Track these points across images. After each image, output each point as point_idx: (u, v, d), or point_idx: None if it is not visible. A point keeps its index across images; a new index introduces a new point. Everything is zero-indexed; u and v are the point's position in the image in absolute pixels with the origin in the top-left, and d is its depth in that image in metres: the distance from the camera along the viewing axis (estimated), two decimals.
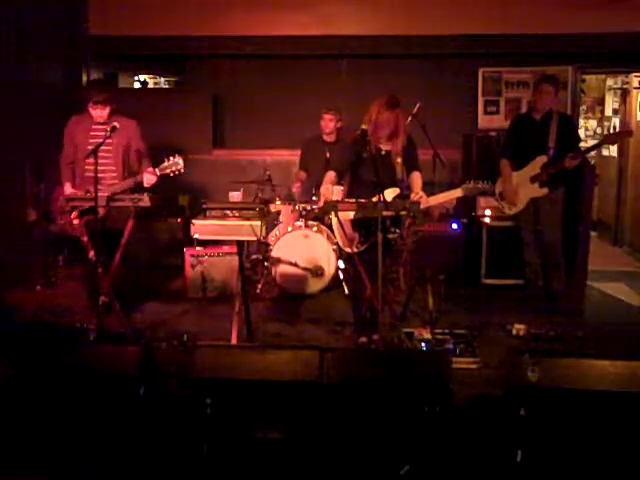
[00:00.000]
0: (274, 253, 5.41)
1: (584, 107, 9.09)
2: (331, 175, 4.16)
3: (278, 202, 5.65)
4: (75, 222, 4.23)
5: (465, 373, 3.75)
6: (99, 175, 4.28)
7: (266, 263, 5.58)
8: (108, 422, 2.67)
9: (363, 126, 3.98)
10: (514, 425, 2.58)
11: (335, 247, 5.28)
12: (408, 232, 4.11)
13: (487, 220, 5.74)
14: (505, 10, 6.48)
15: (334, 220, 4.08)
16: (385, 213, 3.71)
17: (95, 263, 4.21)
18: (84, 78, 6.97)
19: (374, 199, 3.80)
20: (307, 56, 6.90)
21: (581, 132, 8.85)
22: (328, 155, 5.65)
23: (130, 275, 4.80)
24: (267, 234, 5.33)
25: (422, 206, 3.92)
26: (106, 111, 4.49)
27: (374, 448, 2.61)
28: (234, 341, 4.06)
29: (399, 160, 4.15)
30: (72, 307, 4.87)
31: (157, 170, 4.32)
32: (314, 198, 5.60)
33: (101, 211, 4.08)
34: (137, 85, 8.80)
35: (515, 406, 2.58)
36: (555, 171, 4.92)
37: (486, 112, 6.96)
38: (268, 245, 5.54)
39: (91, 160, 4.05)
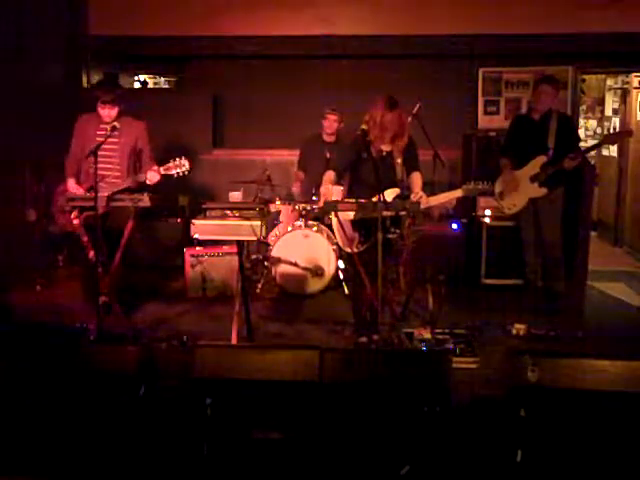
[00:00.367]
0: (274, 253, 5.42)
1: (584, 107, 9.09)
2: (331, 175, 4.16)
3: (278, 202, 5.65)
4: (75, 222, 4.23)
5: (465, 373, 3.75)
6: (103, 173, 4.32)
7: (266, 263, 5.58)
8: (108, 422, 2.67)
9: (363, 126, 3.98)
10: (514, 425, 2.58)
11: (335, 247, 5.29)
12: (408, 232, 4.11)
13: (487, 220, 5.74)
14: (505, 10, 6.48)
15: (334, 220, 4.09)
16: (385, 213, 3.71)
17: (95, 263, 4.21)
18: (84, 78, 6.97)
19: (374, 199, 3.81)
20: (307, 56, 6.90)
21: (581, 132, 8.86)
22: (328, 155, 5.65)
23: (130, 275, 4.80)
24: (267, 234, 5.33)
25: (422, 206, 3.93)
26: (114, 111, 4.50)
27: (374, 448, 2.60)
28: (234, 341, 4.06)
29: (399, 161, 4.16)
30: (72, 307, 4.87)
31: (162, 169, 4.32)
32: (314, 198, 5.60)
33: (100, 209, 4.08)
34: (137, 85, 8.80)
35: (515, 406, 2.58)
36: (554, 171, 4.92)
37: (486, 112, 6.96)
38: (268, 245, 5.55)
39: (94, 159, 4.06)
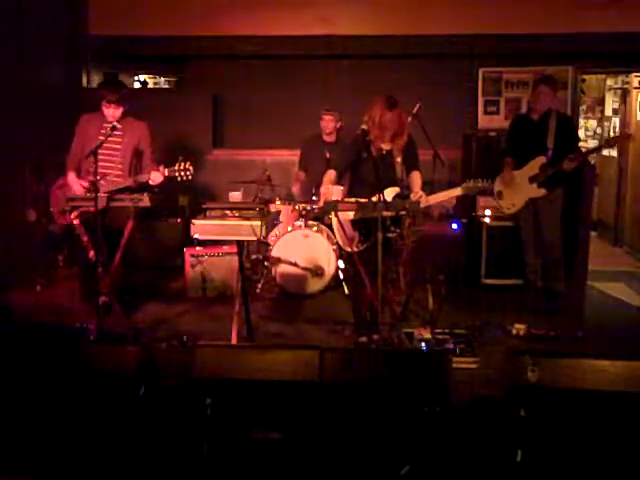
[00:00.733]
0: (274, 253, 5.41)
1: (584, 107, 9.08)
2: (331, 174, 4.16)
3: (278, 202, 5.65)
4: (75, 222, 4.23)
5: (465, 373, 3.75)
6: (104, 171, 4.32)
7: (266, 263, 5.58)
8: (108, 422, 2.67)
9: (363, 126, 3.98)
10: (514, 425, 2.58)
11: (335, 247, 5.29)
12: (408, 232, 4.11)
13: (487, 220, 5.74)
14: (505, 10, 6.48)
15: (334, 220, 4.09)
16: (385, 213, 3.71)
17: (95, 263, 4.22)
18: (84, 78, 6.98)
19: (374, 199, 3.81)
20: (307, 56, 6.90)
21: (581, 132, 8.86)
22: (328, 155, 5.65)
23: (130, 275, 4.80)
24: (267, 234, 5.33)
25: (422, 205, 3.93)
26: (119, 111, 4.50)
27: (374, 448, 2.60)
28: (234, 341, 4.06)
29: (399, 159, 4.16)
30: (72, 307, 4.87)
31: (166, 171, 4.33)
32: (314, 198, 5.60)
33: (100, 205, 4.07)
34: (137, 85, 8.80)
35: (515, 406, 2.58)
36: (553, 172, 4.92)
37: (486, 112, 6.96)
38: (268, 245, 5.54)
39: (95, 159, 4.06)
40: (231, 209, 4.09)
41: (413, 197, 4.00)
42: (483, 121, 6.94)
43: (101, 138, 4.28)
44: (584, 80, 7.79)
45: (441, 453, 2.61)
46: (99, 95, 4.53)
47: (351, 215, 3.90)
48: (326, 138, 5.95)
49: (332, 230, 4.84)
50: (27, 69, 5.90)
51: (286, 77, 7.02)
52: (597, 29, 6.44)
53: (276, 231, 5.64)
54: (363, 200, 3.89)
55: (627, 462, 2.49)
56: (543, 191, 5.01)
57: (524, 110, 6.53)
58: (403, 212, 3.84)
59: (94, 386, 2.70)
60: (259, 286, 5.57)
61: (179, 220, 6.26)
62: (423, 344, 4.11)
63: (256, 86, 7.00)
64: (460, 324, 4.56)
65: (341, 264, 5.46)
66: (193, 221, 4.03)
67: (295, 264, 5.39)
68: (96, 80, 7.19)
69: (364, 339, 4.20)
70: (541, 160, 4.98)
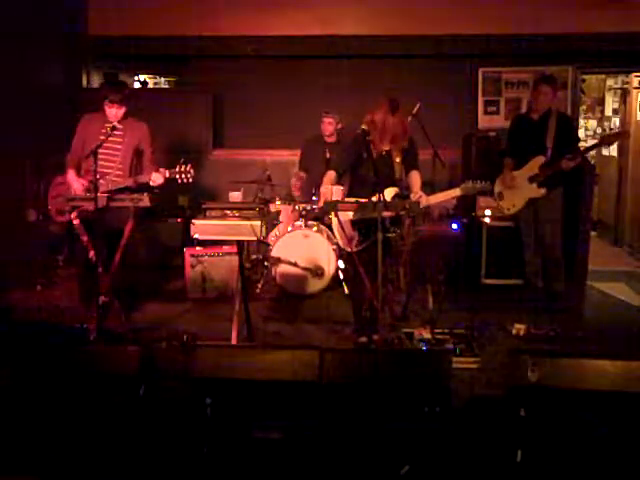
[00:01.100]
0: (274, 253, 5.41)
1: (584, 107, 9.09)
2: (331, 175, 4.16)
3: (278, 202, 5.65)
4: (75, 222, 4.23)
5: (465, 373, 3.75)
6: (104, 170, 4.32)
7: (266, 263, 5.58)
8: (108, 422, 2.67)
9: (363, 126, 3.98)
10: (514, 425, 2.58)
11: (335, 247, 5.29)
12: (408, 232, 4.11)
13: (487, 220, 5.74)
14: (505, 10, 6.48)
15: (334, 220, 4.09)
16: (385, 213, 3.71)
17: (95, 263, 4.21)
18: (84, 78, 6.97)
19: (374, 198, 3.81)
20: (307, 56, 6.90)
21: (581, 132, 8.86)
22: (328, 155, 5.65)
23: (130, 275, 4.80)
24: (267, 234, 5.33)
25: (422, 205, 3.93)
26: (121, 111, 4.50)
27: (374, 448, 2.60)
28: (234, 341, 4.06)
29: (398, 160, 4.16)
30: (72, 307, 4.87)
31: (167, 172, 4.33)
32: (314, 198, 5.60)
33: (99, 204, 4.07)
34: (137, 85, 8.80)
35: (515, 406, 2.58)
36: (552, 172, 4.92)
37: (486, 112, 6.96)
38: (268, 245, 5.54)
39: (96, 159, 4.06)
40: (231, 209, 4.09)
41: (413, 197, 4.00)
42: (483, 121, 6.94)
43: (102, 138, 4.28)
44: (584, 80, 7.79)
45: (441, 453, 2.61)
46: (101, 95, 4.52)
47: (351, 215, 3.89)
48: (327, 139, 5.96)
49: (332, 230, 4.84)
50: (27, 69, 5.90)
51: (286, 77, 7.02)
52: (597, 29, 6.44)
53: (276, 231, 5.64)
54: (363, 200, 3.89)
55: (627, 462, 2.49)
56: (543, 191, 5.01)
57: (524, 110, 6.53)
58: (403, 212, 3.84)
59: (94, 386, 2.70)
60: (259, 286, 5.57)
61: (179, 220, 6.26)
62: (423, 344, 4.11)
63: (256, 86, 7.00)
64: (460, 324, 4.56)
65: (341, 264, 5.45)
66: (193, 221, 4.02)
67: (295, 264, 5.39)
68: (96, 80, 7.19)
69: (364, 339, 4.20)
70: (540, 160, 4.98)
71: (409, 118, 4.48)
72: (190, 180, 4.34)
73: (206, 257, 5.44)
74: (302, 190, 5.92)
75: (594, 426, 2.52)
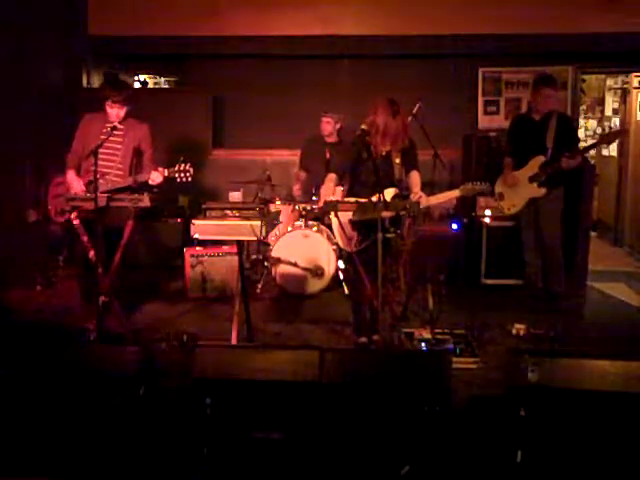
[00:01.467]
0: (274, 253, 5.41)
1: (584, 107, 9.09)
2: (332, 177, 4.16)
3: (278, 202, 5.65)
4: (75, 222, 4.23)
5: (465, 373, 3.76)
6: (104, 170, 4.31)
7: (266, 263, 5.58)
8: (108, 422, 2.67)
9: (363, 126, 3.98)
10: (514, 425, 2.58)
11: (335, 247, 5.29)
12: (408, 232, 4.11)
13: (487, 220, 5.74)
14: (505, 10, 6.49)
15: (334, 220, 4.09)
16: (385, 214, 3.71)
17: (95, 263, 4.21)
18: (84, 78, 6.97)
19: (374, 199, 3.81)
20: (307, 56, 6.90)
21: (581, 132, 8.86)
22: (328, 155, 5.65)
23: (130, 275, 4.80)
24: (267, 234, 5.33)
25: (421, 206, 3.93)
26: (123, 111, 4.49)
27: (374, 448, 2.60)
28: (234, 341, 4.06)
29: (397, 160, 4.16)
30: (72, 307, 4.87)
31: (166, 171, 4.33)
32: (314, 198, 5.60)
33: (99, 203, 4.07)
34: (137, 85, 8.80)
35: (515, 406, 2.58)
36: (553, 171, 4.92)
37: (486, 112, 6.96)
38: (268, 245, 5.55)
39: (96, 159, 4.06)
40: (231, 209, 4.09)
41: (413, 197, 4.00)
42: (483, 121, 6.95)
43: (102, 137, 4.28)
44: (584, 80, 7.79)
45: (441, 453, 2.61)
46: (102, 95, 4.52)
47: (351, 215, 3.90)
48: (327, 139, 5.96)
49: (332, 230, 4.85)
50: (27, 69, 5.90)
51: (286, 77, 7.02)
52: (597, 29, 6.45)
53: (276, 231, 5.64)
54: (363, 200, 3.89)
55: (627, 462, 2.49)
56: (543, 191, 5.01)
57: (524, 110, 6.53)
58: (403, 212, 3.84)
59: (94, 386, 2.70)
60: (259, 286, 5.57)
61: (179, 220, 6.26)
62: (423, 344, 4.11)
63: (256, 86, 7.00)
64: (460, 324, 4.56)
65: (341, 264, 5.46)
66: (193, 221, 4.02)
67: (295, 264, 5.39)
68: (96, 80, 7.19)
69: (364, 339, 4.20)
70: (540, 160, 4.98)
71: (409, 118, 4.48)
72: (189, 179, 4.34)
73: (206, 257, 5.43)
74: (302, 190, 5.92)
75: (594, 426, 2.52)
